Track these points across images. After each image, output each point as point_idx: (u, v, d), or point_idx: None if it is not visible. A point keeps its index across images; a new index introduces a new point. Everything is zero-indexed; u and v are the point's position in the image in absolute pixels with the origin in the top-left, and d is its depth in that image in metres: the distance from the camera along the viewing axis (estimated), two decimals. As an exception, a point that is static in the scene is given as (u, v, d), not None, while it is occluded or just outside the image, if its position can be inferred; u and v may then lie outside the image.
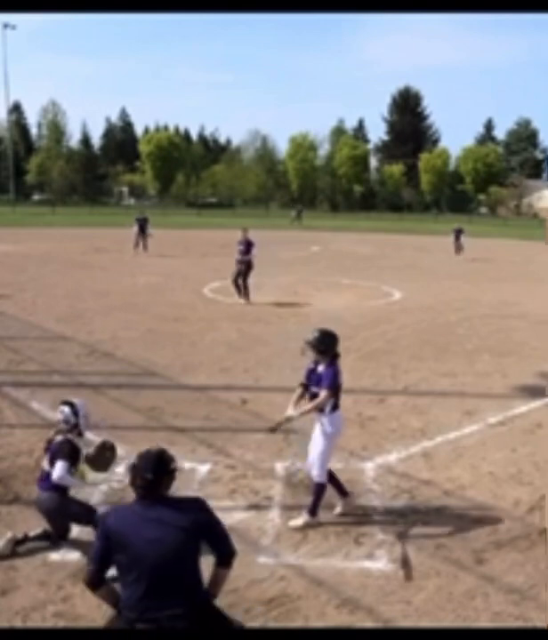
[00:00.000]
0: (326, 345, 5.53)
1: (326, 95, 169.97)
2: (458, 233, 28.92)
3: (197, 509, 3.26)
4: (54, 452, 4.95)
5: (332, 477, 5.72)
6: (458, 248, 28.65)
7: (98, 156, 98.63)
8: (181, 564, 3.17)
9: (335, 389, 5.49)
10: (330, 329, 5.69)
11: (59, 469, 4.85)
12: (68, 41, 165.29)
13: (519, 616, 4.44)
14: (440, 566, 5.01)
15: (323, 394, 5.43)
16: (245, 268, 16.24)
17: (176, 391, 9.08)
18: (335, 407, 5.57)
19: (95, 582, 3.29)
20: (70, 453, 4.94)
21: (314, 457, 5.59)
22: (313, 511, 5.56)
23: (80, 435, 5.10)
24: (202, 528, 3.23)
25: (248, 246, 16.51)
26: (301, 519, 5.57)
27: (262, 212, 70.69)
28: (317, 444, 5.60)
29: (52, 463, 4.93)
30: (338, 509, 5.74)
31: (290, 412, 5.56)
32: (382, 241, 37.97)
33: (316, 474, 5.58)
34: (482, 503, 6.04)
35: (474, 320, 14.59)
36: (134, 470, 3.25)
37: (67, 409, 5.00)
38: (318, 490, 5.58)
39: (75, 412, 5.00)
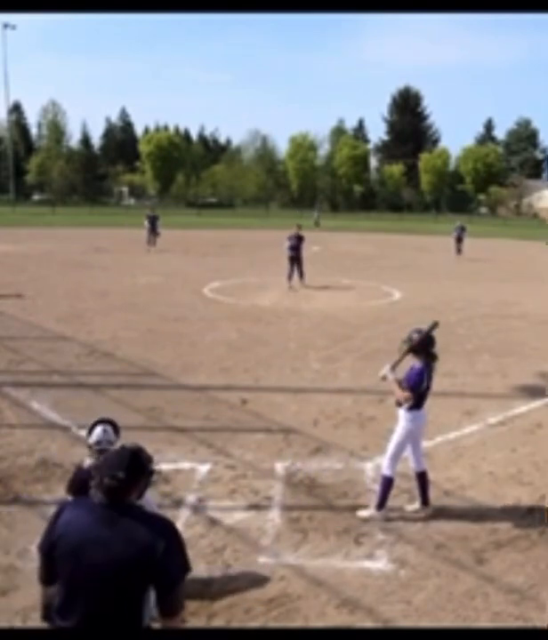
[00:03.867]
0: (416, 343, 5.61)
1: (326, 95, 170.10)
2: (461, 232, 28.19)
3: (160, 538, 2.67)
4: None
5: (422, 477, 5.80)
6: (459, 248, 28.04)
7: (98, 156, 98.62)
8: (115, 600, 2.69)
9: (414, 390, 5.54)
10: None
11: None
12: (68, 41, 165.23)
13: (519, 616, 4.44)
14: (440, 566, 5.01)
15: (405, 392, 5.55)
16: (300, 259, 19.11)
17: (176, 391, 9.08)
18: (415, 406, 5.60)
19: (45, 579, 2.87)
20: None
21: (388, 450, 5.73)
22: (379, 505, 5.66)
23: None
24: (154, 567, 2.64)
25: (300, 241, 19.16)
26: (366, 511, 5.69)
27: (262, 212, 70.68)
28: (392, 437, 5.71)
29: None
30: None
31: (387, 368, 5.66)
32: (382, 241, 37.98)
33: (383, 465, 5.72)
34: (482, 503, 6.04)
35: (474, 320, 14.59)
36: (103, 468, 2.74)
37: (109, 428, 4.43)
38: (383, 482, 5.67)
39: (116, 430, 4.47)
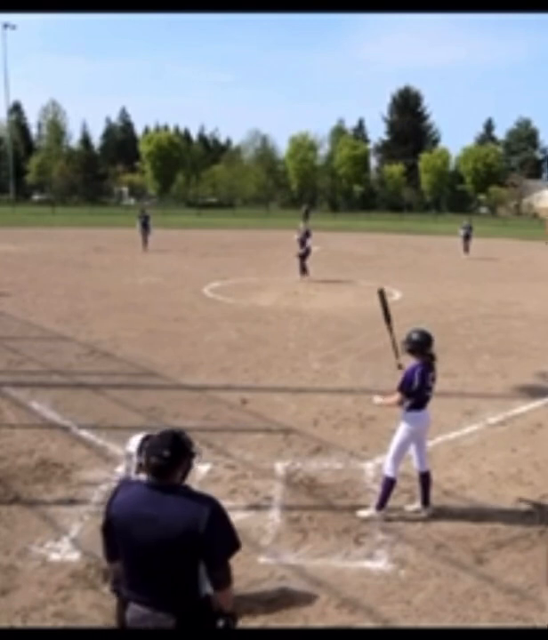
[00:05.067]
0: (412, 344, 5.62)
1: (326, 95, 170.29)
2: (468, 230, 28.23)
3: (202, 515, 2.82)
4: None
5: (425, 478, 5.79)
6: (467, 246, 28.10)
7: (98, 156, 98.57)
8: (170, 574, 2.86)
9: (407, 390, 5.52)
10: (425, 329, 5.73)
11: None
12: (68, 41, 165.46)
13: (519, 616, 4.44)
14: (440, 566, 5.01)
15: (395, 395, 5.58)
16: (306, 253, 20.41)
17: (176, 391, 9.08)
18: (415, 406, 5.59)
19: (108, 556, 3.12)
20: None
21: (389, 450, 5.73)
22: (379, 505, 5.66)
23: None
24: (198, 542, 2.80)
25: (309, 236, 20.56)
26: (366, 511, 5.70)
27: (262, 212, 70.66)
28: (394, 438, 5.72)
29: None
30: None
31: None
32: (382, 241, 37.95)
33: (385, 466, 5.73)
34: (482, 503, 6.04)
35: (474, 320, 14.59)
36: (149, 449, 2.93)
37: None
38: (385, 483, 5.68)
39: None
